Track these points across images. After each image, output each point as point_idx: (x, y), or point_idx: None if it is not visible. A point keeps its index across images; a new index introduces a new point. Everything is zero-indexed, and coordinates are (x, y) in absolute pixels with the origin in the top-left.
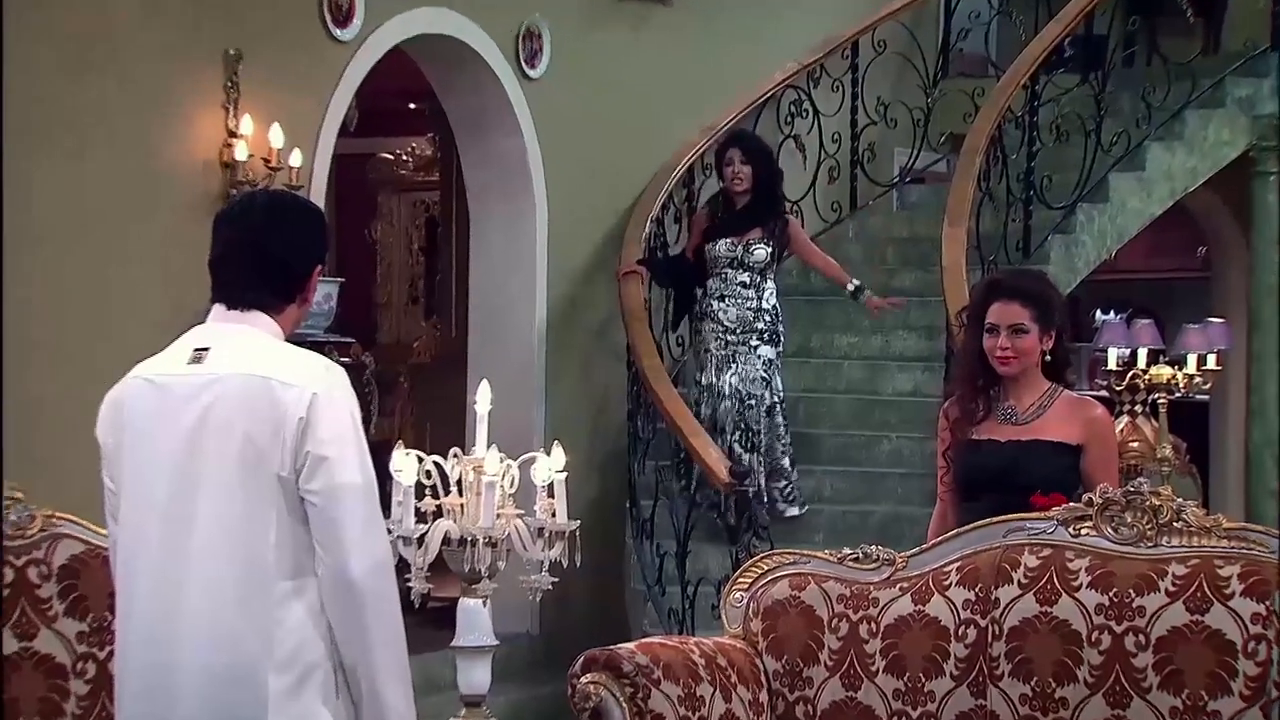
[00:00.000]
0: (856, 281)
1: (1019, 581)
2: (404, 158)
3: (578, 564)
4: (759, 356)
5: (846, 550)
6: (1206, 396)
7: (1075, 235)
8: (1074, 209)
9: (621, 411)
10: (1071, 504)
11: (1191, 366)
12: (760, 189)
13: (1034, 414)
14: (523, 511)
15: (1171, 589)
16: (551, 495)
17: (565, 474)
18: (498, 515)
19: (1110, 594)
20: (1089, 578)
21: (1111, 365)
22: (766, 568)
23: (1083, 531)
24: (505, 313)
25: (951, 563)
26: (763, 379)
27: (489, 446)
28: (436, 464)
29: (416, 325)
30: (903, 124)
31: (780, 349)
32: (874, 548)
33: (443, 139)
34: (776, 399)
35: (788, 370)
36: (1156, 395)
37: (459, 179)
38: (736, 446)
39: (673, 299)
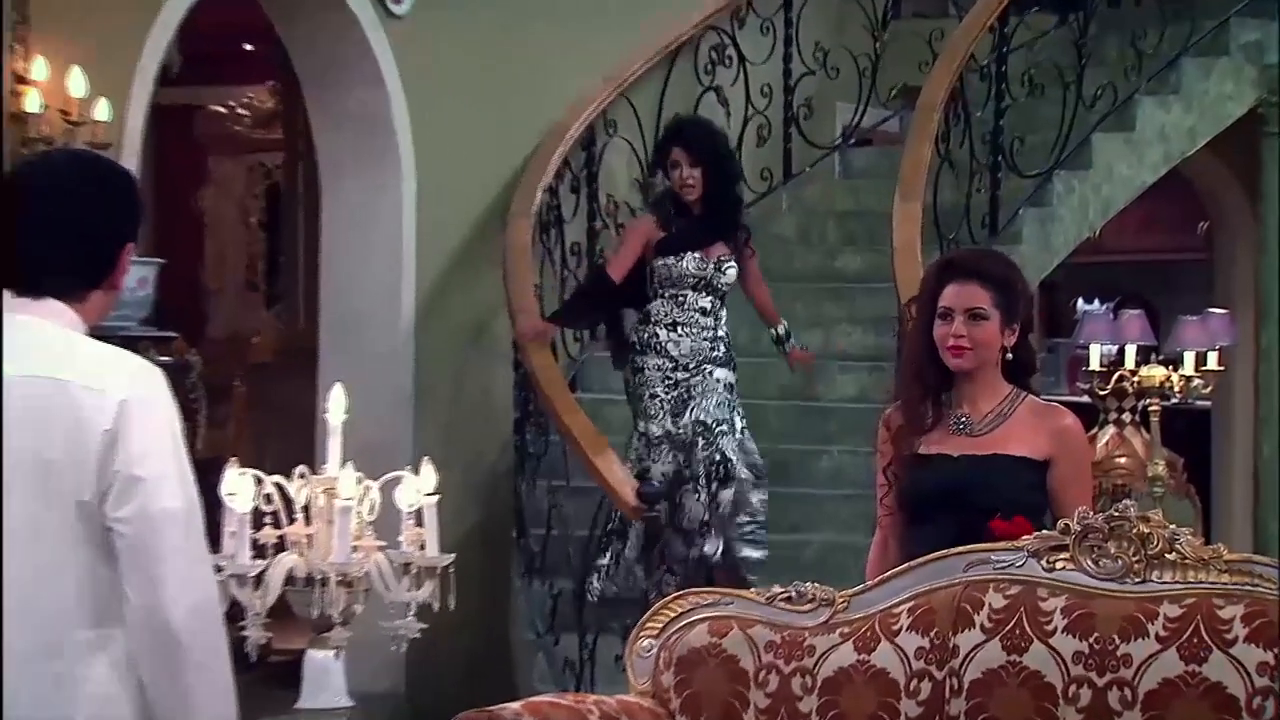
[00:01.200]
0: (785, 325)
1: (982, 625)
2: (239, 111)
3: (452, 607)
4: (718, 381)
5: (777, 588)
6: (1207, 403)
7: (1052, 209)
8: (1050, 177)
9: (508, 422)
10: (1045, 532)
11: (1189, 366)
12: (717, 193)
13: (992, 423)
14: (385, 543)
15: (1163, 634)
16: (420, 523)
17: (437, 497)
18: (354, 548)
19: (1090, 640)
20: (1065, 620)
21: (1094, 365)
22: (681, 610)
23: (1058, 564)
24: (365, 302)
25: (902, 603)
26: (727, 402)
27: (344, 464)
28: (279, 486)
29: (255, 316)
30: (846, 74)
31: (735, 373)
32: (810, 585)
33: (286, 89)
34: (743, 422)
35: None
36: (1148, 401)
37: (307, 138)
38: (719, 495)
39: (606, 336)
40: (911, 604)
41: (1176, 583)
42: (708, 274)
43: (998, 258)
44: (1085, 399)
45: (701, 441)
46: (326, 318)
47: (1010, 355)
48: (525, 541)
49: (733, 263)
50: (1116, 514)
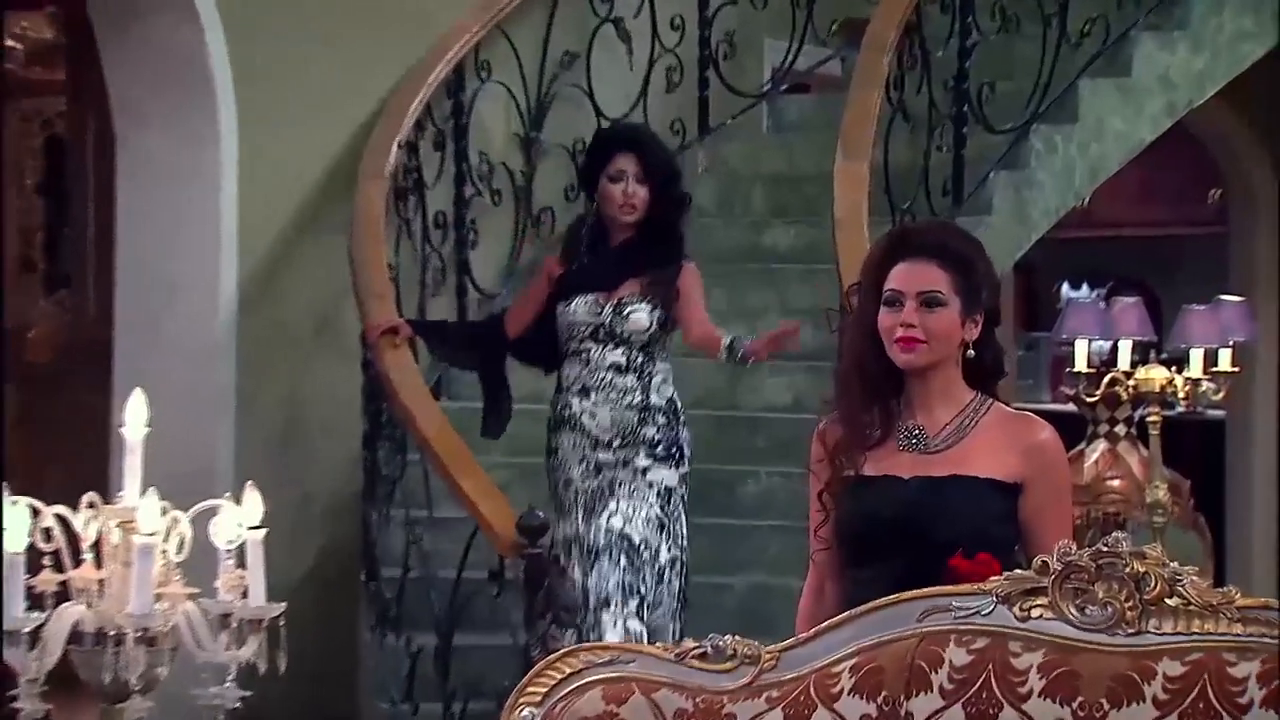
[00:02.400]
0: (728, 336)
1: (941, 687)
2: (8, 45)
3: (283, 668)
4: (650, 484)
5: (689, 642)
6: (1220, 412)
7: (1029, 172)
8: (1027, 133)
9: (355, 436)
10: (1018, 572)
11: (1196, 367)
12: (659, 222)
13: (951, 437)
14: (198, 590)
15: (1162, 697)
16: (243, 564)
17: (264, 531)
18: (157, 596)
19: (1074, 705)
20: (1043, 681)
21: (1081, 365)
22: (570, 670)
23: (1034, 611)
24: (173, 287)
25: (843, 660)
26: (656, 520)
27: (145, 491)
28: (61, 519)
29: (31, 304)
30: (776, 4)
31: (685, 469)
32: (729, 638)
33: (70, 17)
34: (678, 551)
35: None
36: (1146, 410)
37: (98, 80)
38: (628, 624)
39: (483, 395)
40: (855, 661)
41: (1179, 634)
42: (604, 320)
43: (957, 232)
44: (1070, 407)
45: (611, 559)
46: (123, 306)
47: (973, 353)
48: (376, 586)
49: (640, 305)
50: (1106, 549)
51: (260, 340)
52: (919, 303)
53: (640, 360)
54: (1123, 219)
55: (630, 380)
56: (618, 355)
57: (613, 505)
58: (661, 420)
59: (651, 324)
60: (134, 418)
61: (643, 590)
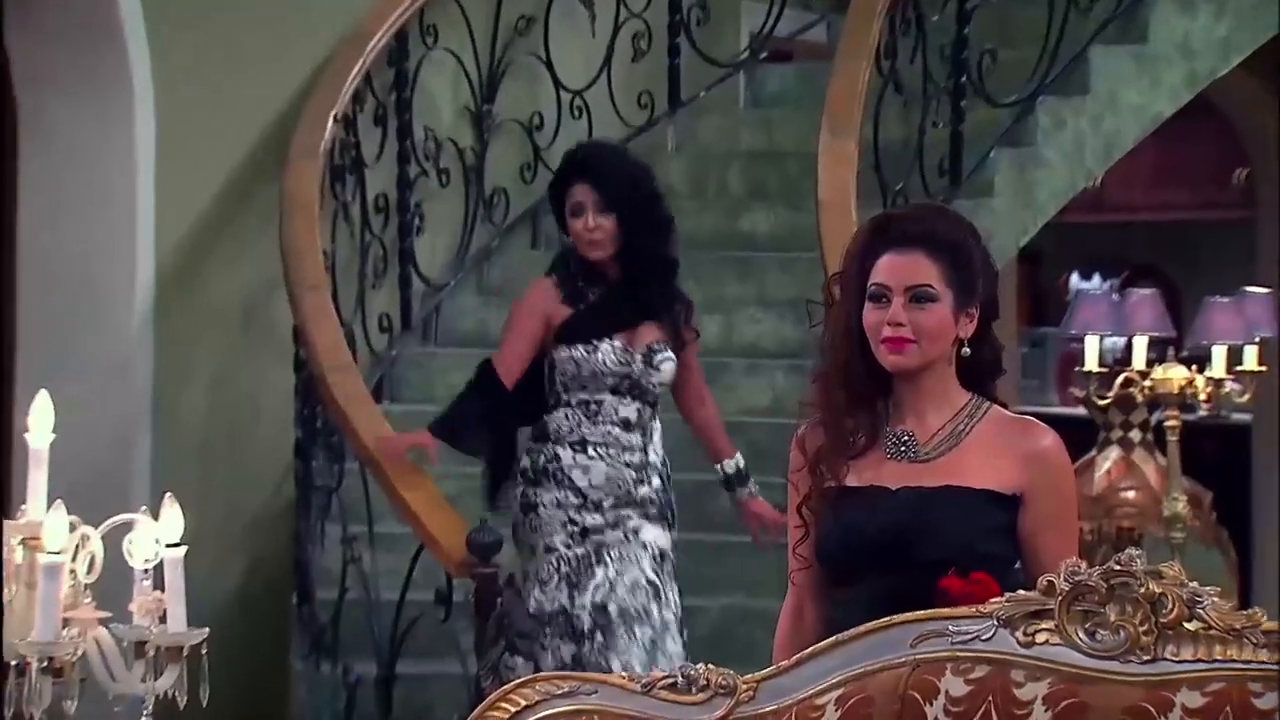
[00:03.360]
0: (740, 460)
1: None
2: None
3: (205, 701)
4: (645, 547)
5: (658, 671)
6: (1245, 416)
7: (1035, 149)
8: (1033, 107)
9: (286, 443)
10: (1021, 593)
11: (1219, 367)
12: (637, 250)
13: (944, 444)
14: (110, 615)
15: None
16: (161, 586)
17: (185, 549)
18: (65, 621)
19: None
20: (1049, 713)
21: (1091, 364)
22: (525, 702)
23: (1039, 636)
24: (82, 276)
25: (828, 690)
26: (650, 586)
27: (51, 504)
28: None
29: None
30: None
31: (675, 530)
32: (702, 667)
33: None
34: (672, 615)
35: None
36: (1164, 414)
37: None
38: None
39: (486, 465)
40: (841, 692)
41: (1199, 661)
42: (634, 371)
43: (946, 215)
44: (1080, 410)
45: (603, 638)
46: (25, 297)
47: (968, 351)
48: (310, 609)
49: (669, 354)
50: (1118, 568)
51: (180, 337)
52: (907, 298)
53: (646, 417)
54: (1138, 202)
55: (635, 438)
56: (630, 410)
57: (600, 575)
58: (657, 481)
59: (673, 375)
60: (38, 423)
61: (637, 667)
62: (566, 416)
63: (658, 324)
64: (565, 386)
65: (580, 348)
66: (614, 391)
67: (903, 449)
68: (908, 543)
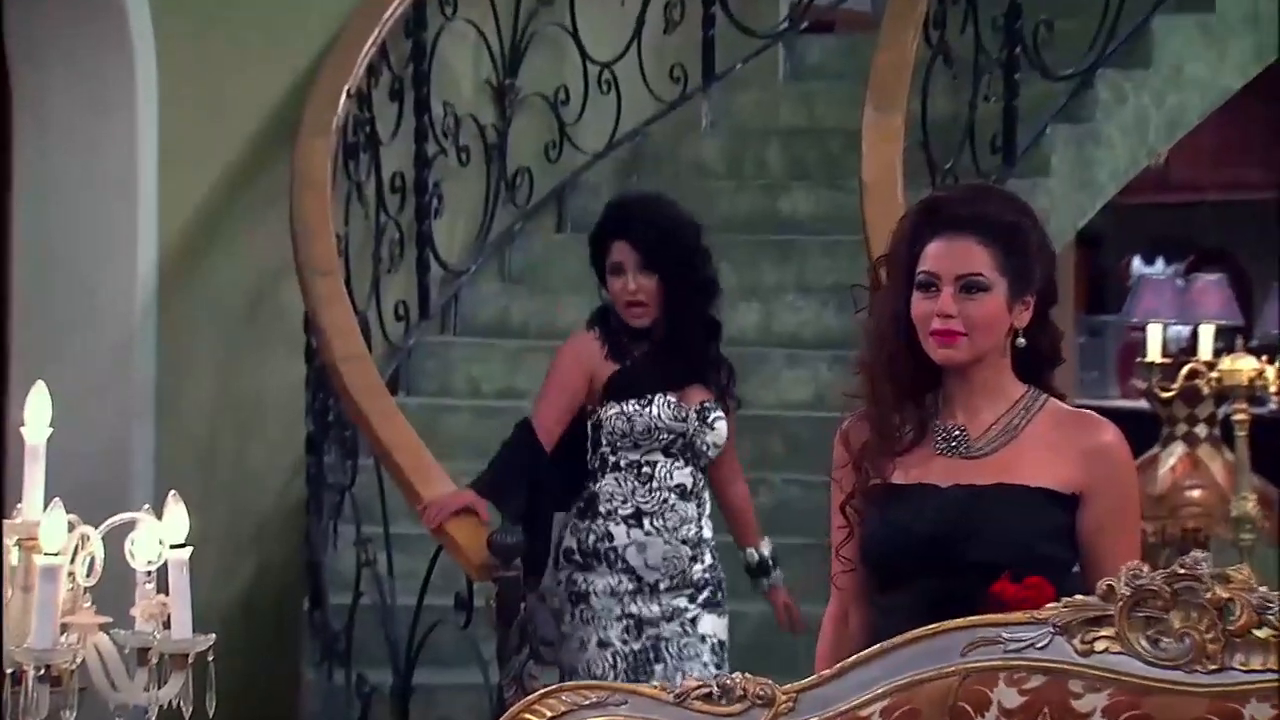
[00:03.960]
0: (768, 547)
1: None
2: None
3: (212, 711)
4: (704, 639)
5: (691, 680)
6: None
7: (1094, 126)
8: (1092, 80)
9: (298, 439)
10: (1078, 598)
11: None
12: (681, 314)
13: (998, 439)
14: (111, 620)
15: None
16: (165, 590)
17: (190, 550)
18: (63, 627)
19: None
20: None
21: (1154, 354)
22: (551, 714)
23: (1098, 644)
24: (80, 262)
25: (872, 701)
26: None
27: (49, 503)
28: None
29: None
30: None
31: (726, 614)
32: (738, 676)
33: None
34: None
35: None
36: (1232, 407)
37: None
38: None
39: (525, 538)
40: (886, 703)
41: (1268, 671)
42: (689, 429)
43: (999, 197)
44: (1142, 404)
45: None
46: (20, 286)
47: (1023, 342)
48: (321, 615)
49: (722, 413)
50: (1183, 571)
51: (183, 326)
52: (957, 287)
53: (699, 485)
54: (1205, 181)
55: (690, 508)
56: (685, 475)
57: (659, 673)
58: (708, 558)
59: (728, 436)
60: (35, 417)
61: None
62: (618, 483)
63: (704, 386)
64: (614, 447)
65: (633, 402)
66: (666, 453)
67: (953, 444)
68: (958, 544)
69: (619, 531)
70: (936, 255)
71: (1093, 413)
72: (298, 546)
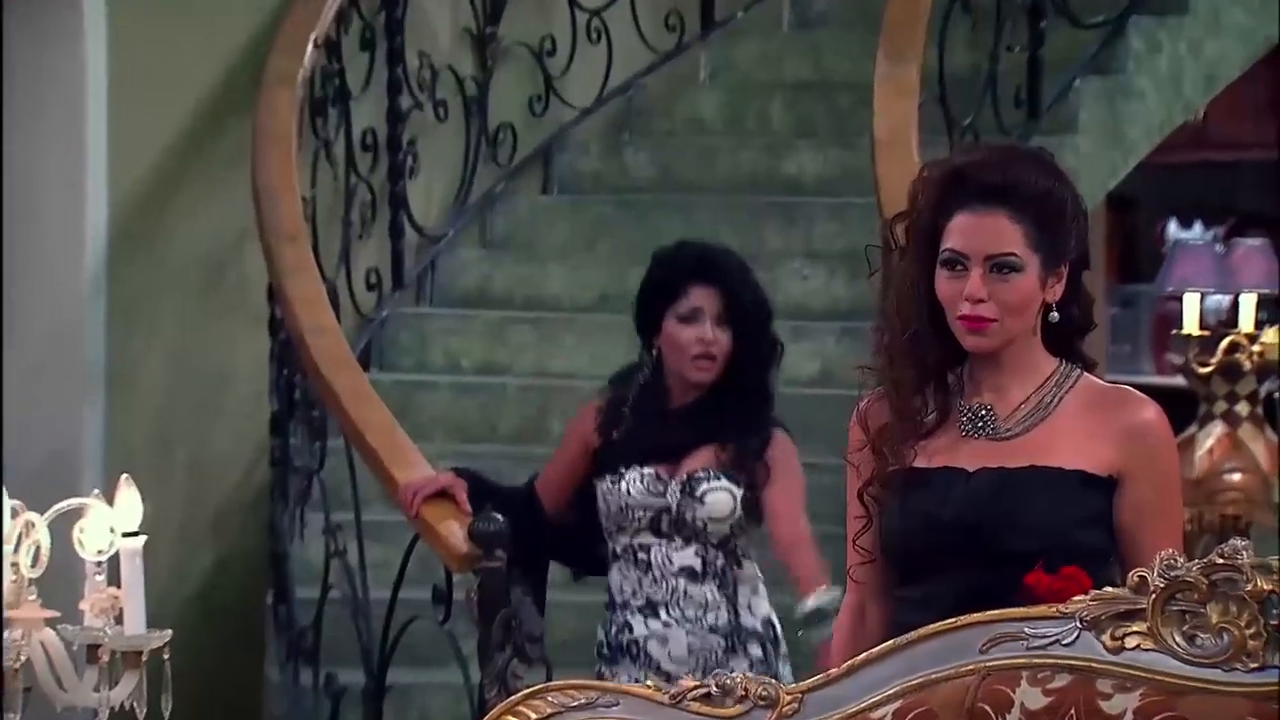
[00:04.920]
0: (815, 600)
1: None
2: None
3: (166, 714)
4: None
5: (688, 680)
6: None
7: (1126, 79)
8: (1124, 27)
9: (261, 418)
10: (1109, 590)
11: None
12: (743, 376)
13: (1028, 418)
14: (58, 614)
15: None
16: (117, 582)
17: (144, 539)
18: (7, 620)
19: None
20: None
21: (1191, 326)
22: (536, 716)
23: (1129, 640)
24: (24, 229)
25: (884, 703)
26: None
27: None
28: None
29: None
30: None
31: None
32: (739, 675)
33: None
34: None
35: (574, 339)
36: (1276, 384)
37: None
38: None
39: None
40: (900, 705)
41: None
42: (669, 504)
43: (1034, 162)
44: (1178, 380)
45: None
46: None
47: (1055, 316)
48: (287, 609)
49: (721, 483)
50: (1221, 561)
51: (137, 296)
52: (987, 268)
53: (721, 562)
54: (1247, 139)
55: (710, 592)
56: (688, 556)
57: None
58: (757, 651)
59: (735, 509)
60: None
61: None
62: (621, 572)
63: (718, 449)
64: (609, 532)
65: (608, 479)
66: (657, 533)
67: (980, 425)
68: (987, 533)
69: (637, 623)
70: (964, 231)
71: (1131, 389)
72: (261, 536)
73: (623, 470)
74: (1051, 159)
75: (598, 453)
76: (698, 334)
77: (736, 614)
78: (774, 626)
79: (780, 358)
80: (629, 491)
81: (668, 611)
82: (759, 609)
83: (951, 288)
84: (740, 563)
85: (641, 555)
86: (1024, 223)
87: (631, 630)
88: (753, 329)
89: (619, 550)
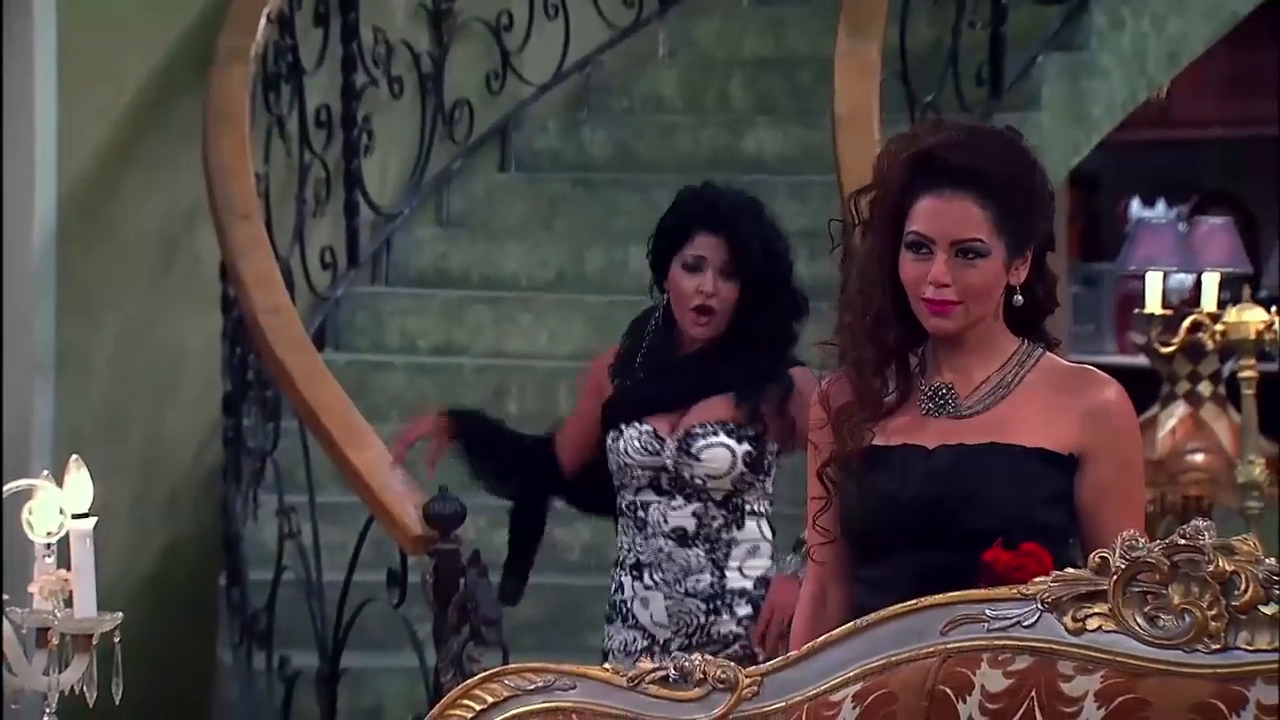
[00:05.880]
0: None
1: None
2: None
3: (117, 698)
4: None
5: (646, 664)
6: None
7: (1088, 55)
8: (1086, 3)
9: (213, 399)
10: (1070, 570)
11: None
12: (751, 326)
13: (990, 396)
14: (7, 597)
15: None
16: (67, 564)
17: (94, 521)
18: None
19: None
20: (1102, 711)
21: (1154, 305)
22: (493, 699)
23: (1090, 622)
24: None
25: (844, 685)
26: None
27: None
28: None
29: None
30: None
31: None
32: (698, 658)
33: None
34: None
35: (531, 319)
36: (1238, 363)
37: None
38: None
39: (509, 539)
40: (860, 687)
41: (1276, 651)
42: (664, 460)
43: (1001, 143)
44: (1140, 360)
45: None
46: None
47: (1020, 300)
48: (240, 592)
49: (721, 439)
50: (1183, 542)
51: (88, 276)
52: (952, 253)
53: (718, 523)
54: (1210, 116)
55: (697, 556)
56: (684, 516)
57: None
58: (745, 609)
59: (735, 465)
60: None
61: None
62: (623, 530)
63: (727, 400)
64: (617, 488)
65: (611, 434)
66: (658, 490)
67: (941, 404)
68: (947, 511)
69: (627, 583)
70: (929, 215)
71: (1093, 368)
72: (214, 517)
73: (622, 427)
74: (1020, 139)
75: (604, 405)
76: (697, 284)
77: (723, 576)
78: (769, 584)
79: (804, 313)
80: (627, 450)
81: (650, 575)
82: (753, 569)
83: (916, 270)
84: (742, 522)
85: (640, 513)
86: (991, 208)
87: (623, 590)
88: (762, 282)
89: (624, 506)
